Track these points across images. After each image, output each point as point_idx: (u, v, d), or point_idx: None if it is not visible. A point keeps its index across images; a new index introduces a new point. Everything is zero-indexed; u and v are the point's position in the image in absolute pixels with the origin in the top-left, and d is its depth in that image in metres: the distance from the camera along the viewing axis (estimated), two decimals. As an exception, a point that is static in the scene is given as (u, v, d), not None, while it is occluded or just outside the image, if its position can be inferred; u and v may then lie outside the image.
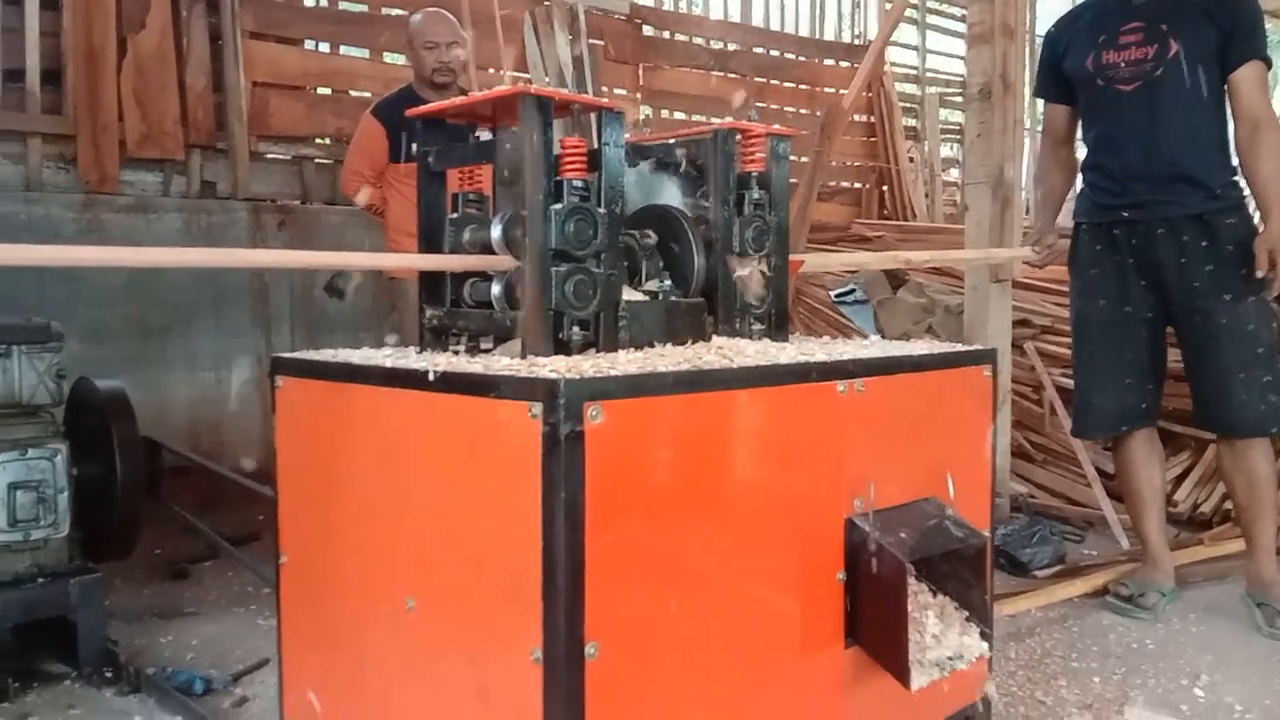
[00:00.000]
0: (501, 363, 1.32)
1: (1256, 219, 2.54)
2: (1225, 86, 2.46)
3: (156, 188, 4.32)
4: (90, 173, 4.06)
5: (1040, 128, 3.20)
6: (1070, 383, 3.53)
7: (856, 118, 7.19)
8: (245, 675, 2.21)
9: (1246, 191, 2.50)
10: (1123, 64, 2.50)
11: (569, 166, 1.39)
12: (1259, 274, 2.37)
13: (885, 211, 7.31)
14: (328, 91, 4.87)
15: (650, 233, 1.58)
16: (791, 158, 1.71)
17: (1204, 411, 2.58)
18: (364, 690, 1.44)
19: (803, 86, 7.12)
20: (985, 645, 1.51)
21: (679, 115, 6.38)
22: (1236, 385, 2.44)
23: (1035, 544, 2.97)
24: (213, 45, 4.40)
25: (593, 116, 1.50)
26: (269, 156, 4.65)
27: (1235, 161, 2.51)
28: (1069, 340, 2.88)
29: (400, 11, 4.80)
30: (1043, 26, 8.63)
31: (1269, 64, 2.45)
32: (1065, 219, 2.96)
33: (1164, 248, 2.49)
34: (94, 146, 4.06)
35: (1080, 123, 2.71)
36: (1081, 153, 2.75)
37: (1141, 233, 2.52)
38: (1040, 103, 2.94)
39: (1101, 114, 2.58)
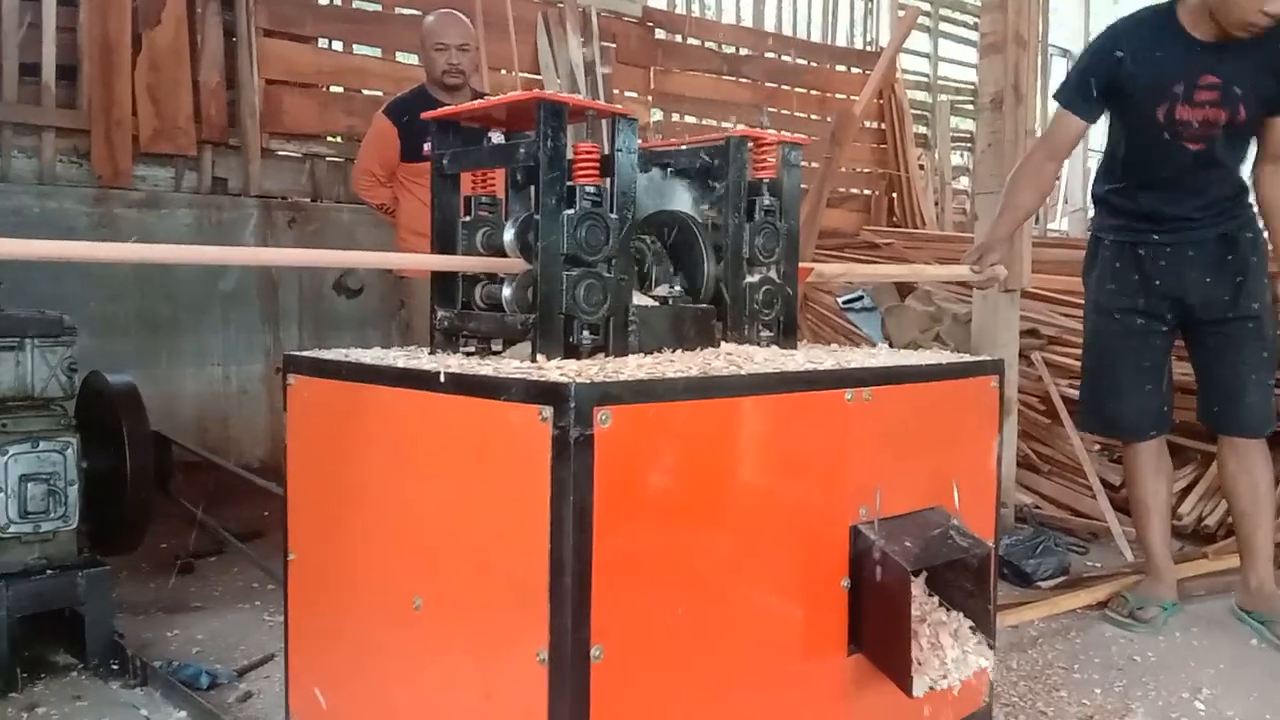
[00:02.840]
0: (512, 365, 1.33)
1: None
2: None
3: (168, 183, 4.34)
4: (103, 167, 4.08)
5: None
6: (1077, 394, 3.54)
7: (867, 124, 7.18)
8: (251, 670, 2.22)
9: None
10: (1195, 123, 2.46)
11: (582, 172, 1.40)
12: None
13: (894, 219, 7.30)
14: (340, 90, 4.89)
15: (660, 238, 1.59)
16: (802, 163, 1.72)
17: (1216, 411, 2.62)
18: (370, 688, 1.45)
19: (814, 92, 7.12)
20: (988, 655, 1.51)
21: (690, 119, 6.39)
22: (1250, 387, 2.54)
23: (1039, 555, 2.97)
24: (227, 42, 4.42)
25: (605, 122, 1.50)
26: (281, 154, 4.67)
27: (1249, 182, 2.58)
28: (1077, 351, 2.87)
29: (414, 11, 4.82)
30: (1055, 36, 8.62)
31: None
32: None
33: (1194, 266, 2.55)
34: (107, 141, 4.08)
35: (1117, 151, 2.63)
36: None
37: (1169, 254, 2.57)
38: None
39: (1157, 160, 2.54)
